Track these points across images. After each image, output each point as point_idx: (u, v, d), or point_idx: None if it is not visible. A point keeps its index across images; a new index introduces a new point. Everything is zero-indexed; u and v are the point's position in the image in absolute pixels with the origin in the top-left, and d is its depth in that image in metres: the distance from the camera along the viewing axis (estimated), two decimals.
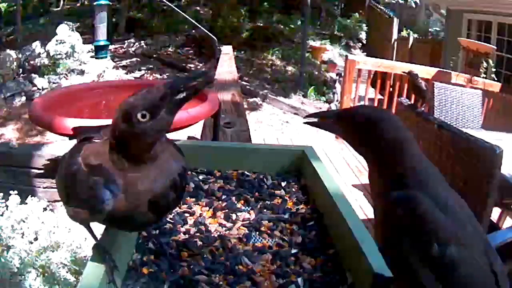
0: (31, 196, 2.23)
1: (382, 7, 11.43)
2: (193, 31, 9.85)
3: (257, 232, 0.83)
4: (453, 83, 4.15)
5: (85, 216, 0.62)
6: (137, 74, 8.32)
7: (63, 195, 0.67)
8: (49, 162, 0.81)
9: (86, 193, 0.60)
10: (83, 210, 0.62)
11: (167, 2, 8.67)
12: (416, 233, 0.52)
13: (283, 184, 1.01)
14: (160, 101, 0.55)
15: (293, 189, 0.99)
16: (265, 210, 0.91)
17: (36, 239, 2.06)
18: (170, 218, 0.85)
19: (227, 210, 0.90)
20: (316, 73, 9.29)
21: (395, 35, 10.12)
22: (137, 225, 0.65)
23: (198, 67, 8.86)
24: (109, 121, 0.62)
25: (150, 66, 8.74)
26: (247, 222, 0.86)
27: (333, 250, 0.79)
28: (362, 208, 3.08)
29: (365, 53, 10.65)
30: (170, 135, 1.08)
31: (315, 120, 0.64)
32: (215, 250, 0.77)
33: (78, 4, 13.20)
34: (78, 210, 0.63)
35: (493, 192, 1.42)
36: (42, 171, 0.81)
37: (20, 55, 7.36)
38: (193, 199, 0.93)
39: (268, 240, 0.81)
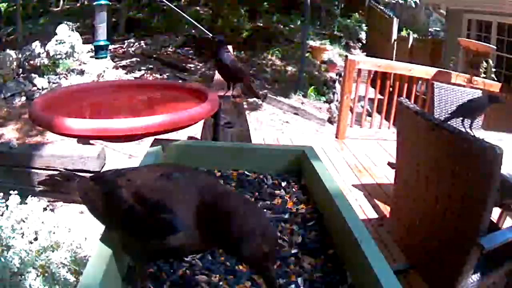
0: (31, 196, 2.23)
1: (382, 7, 11.45)
2: (193, 31, 9.86)
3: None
4: (453, 83, 4.15)
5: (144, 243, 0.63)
6: (137, 74, 8.33)
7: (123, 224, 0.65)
8: (49, 178, 0.81)
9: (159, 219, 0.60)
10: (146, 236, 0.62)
11: (167, 2, 8.67)
12: None
13: (283, 184, 1.01)
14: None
15: (293, 189, 0.99)
16: (265, 210, 0.91)
17: (36, 239, 2.06)
18: None
19: None
20: (316, 73, 9.30)
21: (395, 35, 10.12)
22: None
23: (198, 67, 8.87)
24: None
25: (150, 66, 8.74)
26: None
27: (333, 250, 0.79)
28: (362, 208, 3.08)
29: (365, 53, 10.65)
30: (170, 135, 1.09)
31: None
32: (215, 250, 0.77)
33: (78, 4, 13.21)
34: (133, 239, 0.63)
35: (493, 192, 1.42)
36: (45, 183, 0.79)
37: (20, 55, 7.36)
38: None
39: None
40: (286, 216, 0.89)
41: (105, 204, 0.67)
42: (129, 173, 0.69)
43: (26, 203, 2.18)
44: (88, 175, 0.76)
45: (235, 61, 1.91)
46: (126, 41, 10.00)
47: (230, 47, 2.14)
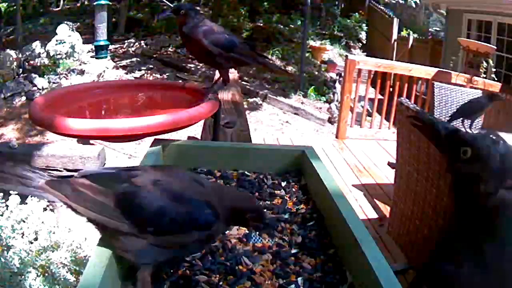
0: (31, 196, 2.22)
1: (382, 7, 11.45)
2: None
3: (257, 232, 0.83)
4: (453, 83, 4.15)
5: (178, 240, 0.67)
6: (137, 74, 8.33)
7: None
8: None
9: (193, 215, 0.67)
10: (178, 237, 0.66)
11: (167, 2, 8.67)
12: None
13: (283, 184, 1.01)
14: None
15: (293, 189, 0.99)
16: (265, 210, 0.91)
17: (36, 239, 2.06)
18: None
19: None
20: (316, 73, 9.30)
21: (395, 35, 10.12)
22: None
23: (198, 67, 8.87)
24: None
25: (150, 66, 8.74)
26: None
27: (333, 250, 0.79)
28: (362, 208, 3.08)
29: (365, 53, 10.66)
30: (170, 135, 1.08)
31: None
32: (215, 250, 0.77)
33: (78, 4, 13.21)
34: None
35: None
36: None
37: (20, 55, 7.36)
38: None
39: (268, 240, 0.81)
40: (286, 216, 0.89)
41: (128, 204, 0.66)
42: (146, 173, 0.70)
43: (26, 203, 2.18)
44: None
45: (218, 34, 1.19)
46: (126, 41, 10.00)
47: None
